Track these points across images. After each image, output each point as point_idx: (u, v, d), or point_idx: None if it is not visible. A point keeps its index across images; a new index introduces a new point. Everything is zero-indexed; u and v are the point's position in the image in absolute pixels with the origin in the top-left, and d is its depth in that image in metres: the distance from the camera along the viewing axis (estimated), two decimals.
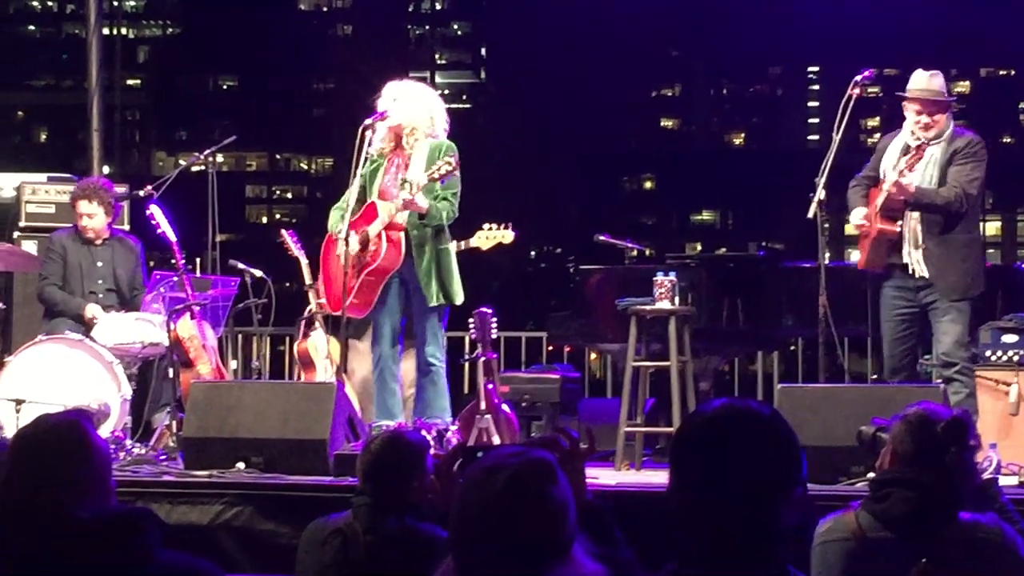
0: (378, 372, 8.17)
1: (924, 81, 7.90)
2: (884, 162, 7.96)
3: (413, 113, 8.11)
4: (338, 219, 8.10)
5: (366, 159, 8.10)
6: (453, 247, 8.25)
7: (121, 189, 9.95)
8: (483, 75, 75.06)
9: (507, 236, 8.85)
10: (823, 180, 7.91)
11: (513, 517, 2.73)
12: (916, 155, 7.73)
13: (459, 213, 8.15)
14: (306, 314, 9.36)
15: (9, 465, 3.81)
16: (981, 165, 7.84)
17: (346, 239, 7.90)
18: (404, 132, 8.10)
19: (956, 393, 7.68)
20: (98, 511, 3.51)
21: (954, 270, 7.82)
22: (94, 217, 9.25)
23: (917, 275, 7.82)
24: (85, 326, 8.95)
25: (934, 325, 7.85)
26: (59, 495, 3.47)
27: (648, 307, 8.50)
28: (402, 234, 8.02)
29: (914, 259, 7.83)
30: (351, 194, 8.06)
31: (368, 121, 8.03)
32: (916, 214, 7.82)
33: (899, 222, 7.84)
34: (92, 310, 9.03)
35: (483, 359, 8.27)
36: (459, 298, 8.12)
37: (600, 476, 7.26)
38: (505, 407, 8.41)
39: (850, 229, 8.01)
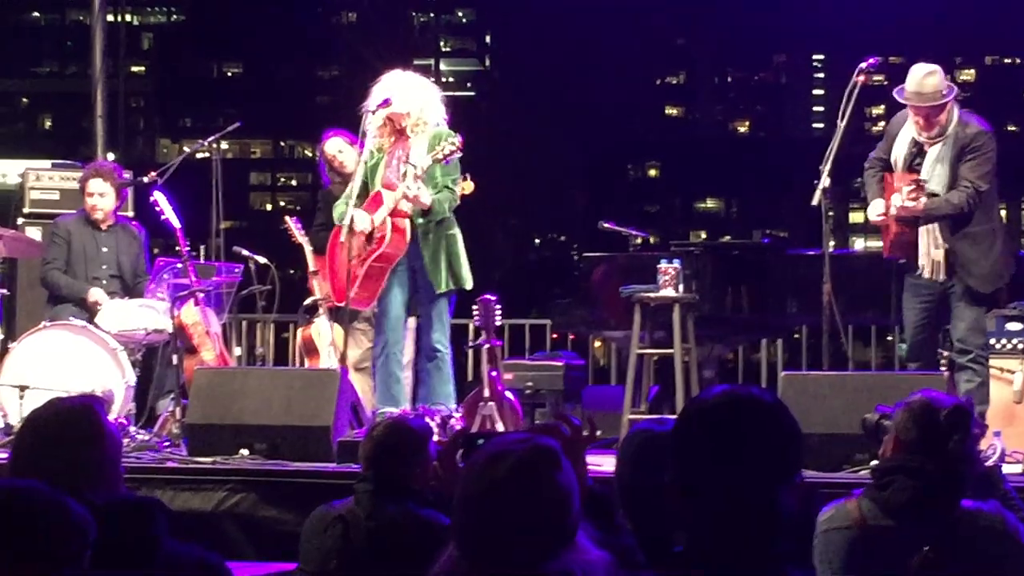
0: (383, 359, 8.16)
1: (917, 83, 7.69)
2: (895, 151, 7.88)
3: (416, 104, 8.10)
4: (343, 210, 8.10)
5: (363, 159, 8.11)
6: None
7: (126, 175, 9.95)
8: (487, 63, 74.98)
9: (467, 187, 8.81)
10: (828, 168, 7.89)
11: (518, 504, 2.73)
12: (917, 192, 7.65)
13: (460, 201, 8.14)
14: (307, 301, 9.36)
15: (19, 447, 3.79)
16: (991, 157, 7.76)
17: (349, 226, 7.89)
18: (407, 122, 8.08)
19: (968, 381, 7.66)
20: (108, 498, 3.50)
21: (983, 263, 7.77)
22: (105, 196, 9.25)
23: (933, 279, 7.78)
24: (88, 311, 8.95)
25: (952, 309, 7.81)
26: (69, 480, 3.45)
27: (652, 295, 8.51)
28: (407, 221, 8.01)
29: (931, 262, 7.78)
30: (354, 184, 8.06)
31: (371, 108, 8.02)
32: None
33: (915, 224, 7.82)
34: (95, 294, 9.03)
35: (487, 346, 8.26)
36: (468, 283, 8.13)
37: (604, 463, 7.26)
38: (509, 394, 8.41)
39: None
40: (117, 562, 3.30)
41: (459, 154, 7.92)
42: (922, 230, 7.78)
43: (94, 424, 3.73)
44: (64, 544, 2.92)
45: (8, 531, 2.87)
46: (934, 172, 7.72)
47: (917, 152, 7.80)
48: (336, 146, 9.35)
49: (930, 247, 7.76)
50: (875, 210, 7.89)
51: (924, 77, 7.70)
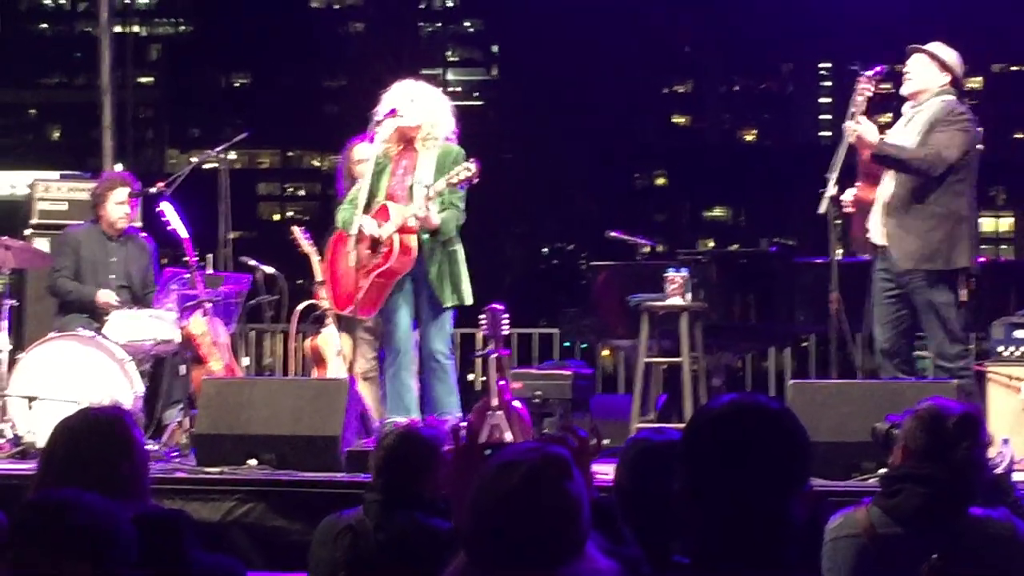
0: (394, 369, 8.16)
1: (934, 44, 7.85)
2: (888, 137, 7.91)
3: (429, 116, 8.10)
4: (349, 216, 8.09)
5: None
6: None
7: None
8: (495, 72, 75.01)
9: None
10: (834, 176, 7.87)
11: (529, 512, 2.73)
12: (864, 97, 7.66)
13: (467, 214, 8.13)
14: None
15: (51, 457, 3.77)
16: (964, 135, 7.67)
17: (356, 236, 7.89)
18: (418, 135, 8.08)
19: None
20: (137, 510, 3.49)
21: (914, 238, 7.65)
22: (131, 206, 9.32)
23: (877, 244, 7.73)
24: (97, 318, 8.95)
25: (919, 313, 7.71)
26: (100, 491, 3.44)
27: (660, 303, 8.51)
28: (414, 237, 8.01)
29: (876, 228, 7.75)
30: (361, 192, 8.05)
31: (379, 117, 8.02)
32: (892, 183, 7.71)
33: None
34: (105, 295, 9.03)
35: (495, 355, 8.25)
36: (469, 299, 8.14)
37: (611, 472, 7.25)
38: (517, 403, 8.40)
39: None
40: (147, 574, 3.29)
41: (475, 180, 7.90)
42: (880, 190, 7.74)
43: (125, 435, 3.72)
44: (116, 552, 2.93)
45: (66, 538, 2.87)
46: (906, 138, 7.71)
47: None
48: (361, 153, 9.37)
49: (881, 215, 7.74)
50: (848, 194, 7.86)
51: (943, 44, 7.85)
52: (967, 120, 7.72)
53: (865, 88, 7.73)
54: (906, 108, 7.90)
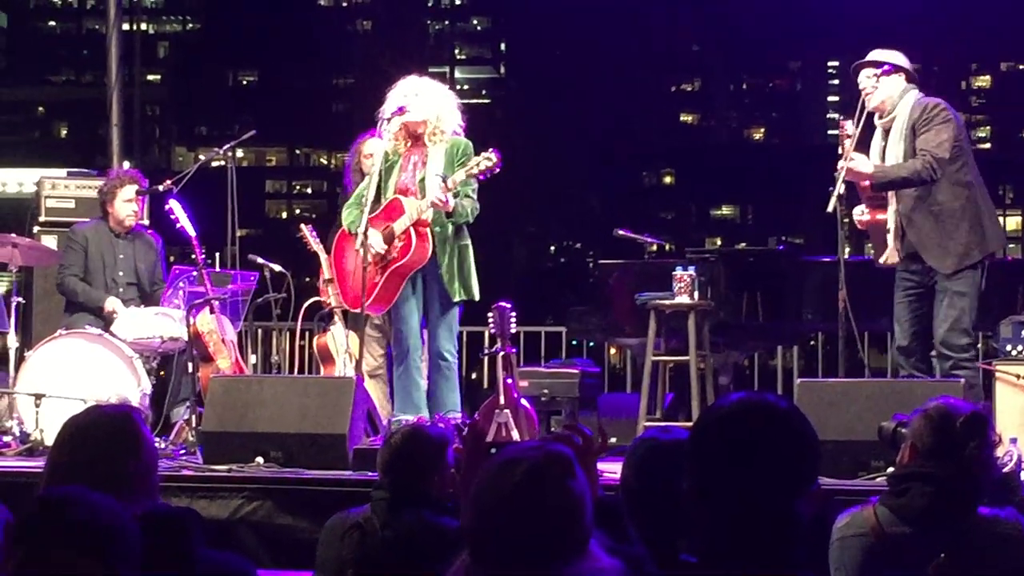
0: (404, 366, 8.15)
1: (873, 52, 7.93)
2: (872, 152, 7.93)
3: (436, 110, 8.10)
4: (356, 216, 8.08)
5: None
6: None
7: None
8: (502, 70, 75.07)
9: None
10: (842, 174, 7.87)
11: (531, 510, 2.73)
12: (843, 138, 7.72)
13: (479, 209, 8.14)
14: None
15: (58, 456, 3.78)
16: (946, 126, 7.68)
17: (364, 233, 7.89)
18: (425, 130, 8.08)
19: None
20: (145, 508, 3.48)
21: (946, 237, 7.69)
22: (139, 203, 9.33)
23: (889, 261, 7.78)
24: (104, 320, 8.97)
25: (935, 309, 7.76)
26: (108, 489, 3.44)
27: (667, 302, 8.50)
28: (429, 230, 8.01)
29: (892, 248, 7.78)
30: (369, 190, 8.05)
31: (386, 116, 8.02)
32: (894, 200, 7.76)
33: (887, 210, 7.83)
34: (112, 303, 9.04)
35: (502, 354, 8.25)
36: (477, 294, 8.13)
37: (619, 471, 7.25)
38: (524, 402, 8.40)
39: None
40: (154, 572, 3.29)
41: (496, 170, 7.88)
42: (890, 210, 7.77)
43: (134, 433, 3.73)
44: (119, 548, 2.93)
45: (67, 534, 2.87)
46: (894, 150, 7.75)
47: (885, 144, 7.86)
48: (371, 148, 9.36)
49: (896, 234, 7.79)
50: (856, 212, 7.96)
51: (880, 49, 7.91)
52: (944, 110, 7.76)
53: (847, 134, 7.77)
54: (877, 121, 7.91)
